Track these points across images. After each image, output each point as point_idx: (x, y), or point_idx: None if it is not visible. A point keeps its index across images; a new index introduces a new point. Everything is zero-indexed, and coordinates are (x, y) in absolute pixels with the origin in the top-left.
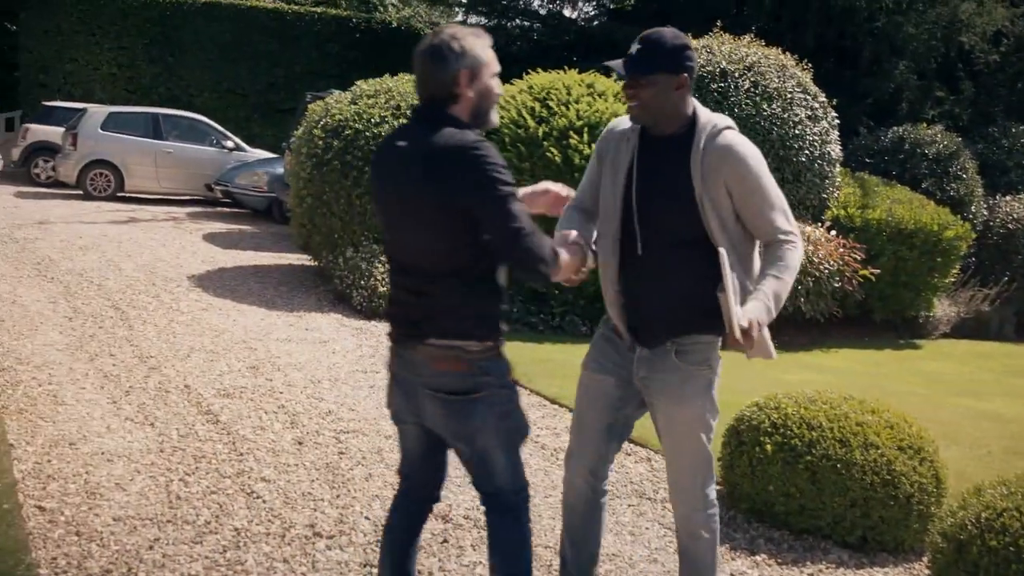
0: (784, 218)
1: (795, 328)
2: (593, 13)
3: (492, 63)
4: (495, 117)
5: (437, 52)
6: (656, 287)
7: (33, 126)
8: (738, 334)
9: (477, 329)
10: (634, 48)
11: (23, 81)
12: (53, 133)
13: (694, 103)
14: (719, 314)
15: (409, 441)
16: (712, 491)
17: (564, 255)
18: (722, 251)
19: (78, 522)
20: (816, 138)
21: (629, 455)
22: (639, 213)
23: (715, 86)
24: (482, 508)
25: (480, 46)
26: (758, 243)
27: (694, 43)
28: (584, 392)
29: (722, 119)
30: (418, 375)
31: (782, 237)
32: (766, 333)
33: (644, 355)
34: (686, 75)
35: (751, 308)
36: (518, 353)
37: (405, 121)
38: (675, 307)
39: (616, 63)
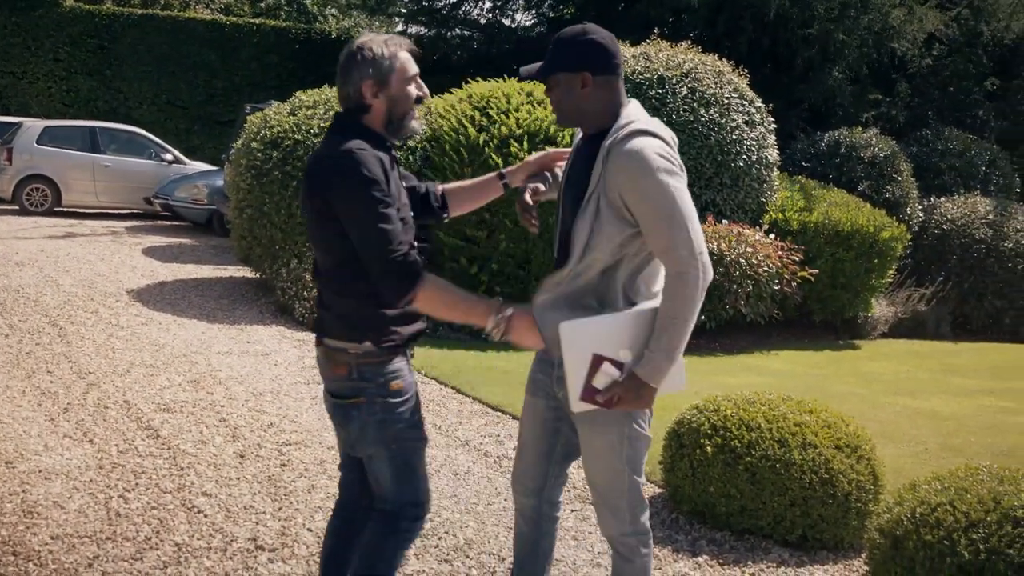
0: (682, 242)
1: (736, 331)
2: (533, 22)
3: (403, 69)
4: (414, 124)
5: (343, 64)
6: None
7: None
8: (575, 408)
9: (354, 331)
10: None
11: None
12: None
13: (627, 105)
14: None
15: (339, 445)
16: (644, 516)
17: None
18: (562, 327)
19: (15, 542)
20: (753, 143)
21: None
22: (560, 216)
23: (653, 92)
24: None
25: (389, 53)
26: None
27: (632, 50)
28: (524, 415)
29: (642, 123)
30: (324, 378)
31: (672, 268)
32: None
33: (562, 374)
34: (588, 73)
35: (615, 378)
36: (462, 361)
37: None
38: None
39: (527, 67)
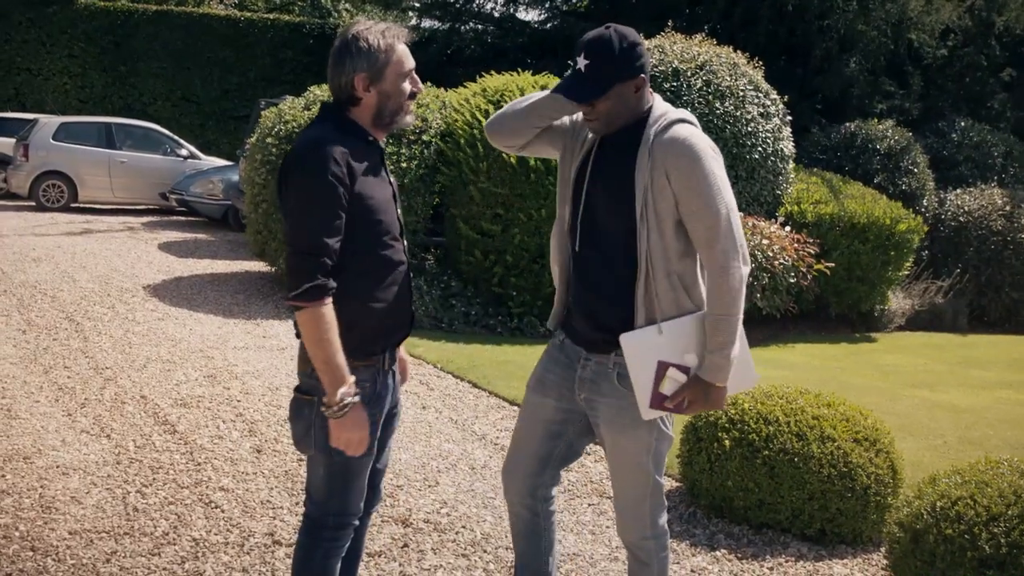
0: (724, 234)
1: (751, 324)
2: (546, 16)
3: (399, 63)
4: (406, 119)
5: (336, 52)
6: (586, 293)
7: None
8: (645, 416)
9: None
10: (581, 63)
11: None
12: (4, 144)
13: (653, 96)
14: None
15: None
16: (663, 519)
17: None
18: (623, 339)
19: (33, 537)
20: (769, 135)
21: (589, 454)
22: (584, 208)
23: (668, 85)
24: (442, 511)
25: (385, 45)
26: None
27: (646, 43)
28: (525, 413)
29: (678, 112)
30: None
31: (719, 260)
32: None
33: (586, 375)
34: (643, 76)
35: (683, 379)
36: (477, 355)
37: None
38: (601, 318)
39: (566, 85)
